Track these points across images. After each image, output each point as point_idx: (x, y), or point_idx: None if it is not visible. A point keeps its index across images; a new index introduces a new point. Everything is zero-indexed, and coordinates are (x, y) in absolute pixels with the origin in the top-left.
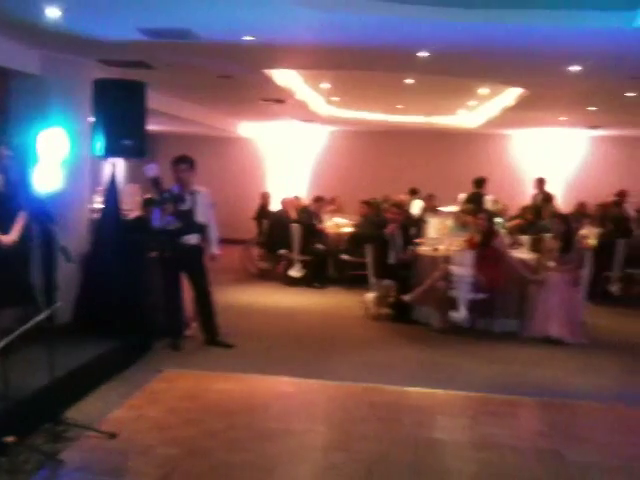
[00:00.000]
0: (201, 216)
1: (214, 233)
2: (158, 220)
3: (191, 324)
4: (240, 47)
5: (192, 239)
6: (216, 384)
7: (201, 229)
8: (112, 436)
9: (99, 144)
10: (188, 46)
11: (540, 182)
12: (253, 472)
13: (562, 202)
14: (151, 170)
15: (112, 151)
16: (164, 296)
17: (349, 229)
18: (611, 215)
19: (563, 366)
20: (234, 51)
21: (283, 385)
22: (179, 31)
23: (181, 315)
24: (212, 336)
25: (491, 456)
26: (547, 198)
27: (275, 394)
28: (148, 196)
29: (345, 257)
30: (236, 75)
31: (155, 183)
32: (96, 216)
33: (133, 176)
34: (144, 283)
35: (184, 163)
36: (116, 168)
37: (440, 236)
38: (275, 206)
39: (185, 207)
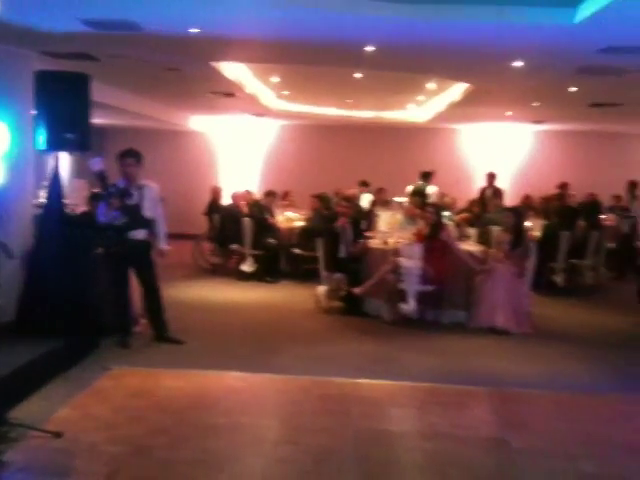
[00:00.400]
0: (148, 211)
1: (162, 228)
2: (103, 215)
3: (140, 320)
4: (186, 39)
5: (139, 234)
6: (165, 381)
7: (148, 224)
8: (57, 436)
9: (41, 138)
10: (133, 38)
11: (491, 177)
12: (201, 468)
13: (509, 195)
14: (96, 164)
15: (55, 145)
16: (111, 293)
17: (301, 223)
18: (554, 208)
19: (509, 356)
20: (180, 43)
21: (233, 380)
22: (123, 23)
23: (129, 312)
24: (161, 332)
25: (439, 446)
26: (497, 193)
27: (225, 389)
28: (95, 191)
29: (297, 251)
30: (184, 68)
31: (100, 177)
32: (40, 211)
33: (80, 170)
34: (90, 280)
35: (130, 157)
36: (60, 162)
37: (390, 229)
38: (226, 200)
39: (132, 202)
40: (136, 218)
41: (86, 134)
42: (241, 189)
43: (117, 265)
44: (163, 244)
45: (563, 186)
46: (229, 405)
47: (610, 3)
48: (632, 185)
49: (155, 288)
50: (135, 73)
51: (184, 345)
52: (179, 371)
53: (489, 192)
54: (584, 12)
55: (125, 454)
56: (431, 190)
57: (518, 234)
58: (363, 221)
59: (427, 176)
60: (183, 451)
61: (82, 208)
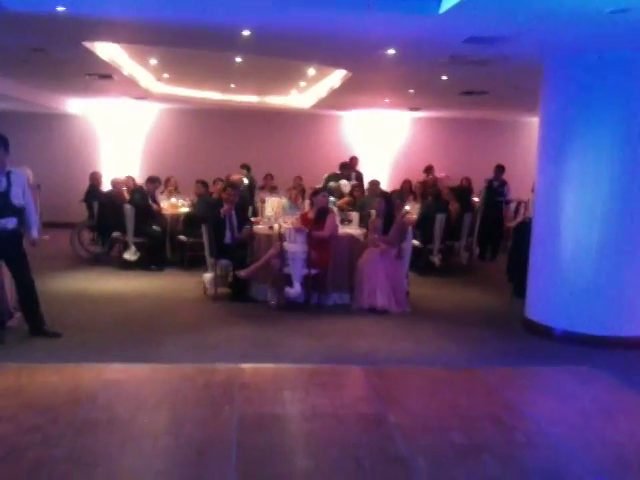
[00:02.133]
0: (18, 198)
1: (34, 216)
2: None
3: (14, 314)
4: (52, 18)
5: (9, 223)
6: (40, 377)
7: (18, 212)
8: None
9: None
10: None
11: (352, 160)
12: (76, 466)
13: (390, 180)
14: None
15: None
16: None
17: (186, 209)
18: (431, 191)
19: (388, 335)
20: (45, 22)
21: (113, 373)
22: None
23: (1, 305)
24: (37, 326)
25: (320, 426)
26: (359, 176)
27: (103, 383)
28: None
29: (182, 238)
30: (52, 48)
31: None
32: None
33: None
34: None
35: None
36: None
37: (275, 214)
38: (107, 187)
39: None
40: (5, 206)
41: None
42: (122, 175)
43: None
44: (35, 233)
45: (427, 169)
46: (108, 399)
47: None
48: (499, 168)
49: (28, 280)
50: None
51: (61, 339)
52: (56, 366)
53: (352, 175)
54: (448, 3)
55: None
56: (342, 183)
57: (389, 219)
58: (250, 207)
59: (343, 166)
60: (57, 449)
61: None
